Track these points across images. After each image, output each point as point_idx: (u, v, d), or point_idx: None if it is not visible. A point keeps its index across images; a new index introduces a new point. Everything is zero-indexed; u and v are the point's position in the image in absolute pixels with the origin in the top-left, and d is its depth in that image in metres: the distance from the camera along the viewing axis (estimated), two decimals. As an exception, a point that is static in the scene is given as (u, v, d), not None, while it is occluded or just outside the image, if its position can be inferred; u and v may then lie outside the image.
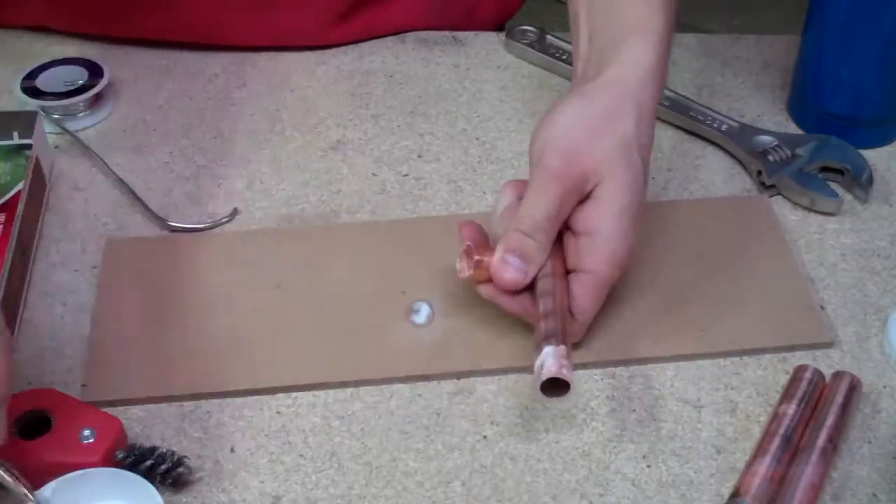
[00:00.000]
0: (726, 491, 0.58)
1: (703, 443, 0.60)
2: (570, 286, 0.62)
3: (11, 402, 0.57)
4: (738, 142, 0.78)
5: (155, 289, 0.67)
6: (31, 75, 0.80)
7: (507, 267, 0.61)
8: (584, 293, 0.62)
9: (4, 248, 0.64)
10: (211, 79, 0.85)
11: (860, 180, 0.75)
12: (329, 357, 0.64)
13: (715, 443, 0.60)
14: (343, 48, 0.87)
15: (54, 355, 0.64)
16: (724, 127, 0.79)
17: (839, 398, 0.61)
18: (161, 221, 0.72)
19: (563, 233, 0.63)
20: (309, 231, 0.72)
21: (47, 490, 0.54)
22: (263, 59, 0.86)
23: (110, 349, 0.64)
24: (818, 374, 0.62)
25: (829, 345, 0.65)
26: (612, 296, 0.65)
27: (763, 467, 0.57)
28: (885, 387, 0.63)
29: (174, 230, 0.72)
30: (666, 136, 0.80)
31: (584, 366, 0.63)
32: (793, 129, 0.81)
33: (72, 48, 0.86)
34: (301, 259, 0.69)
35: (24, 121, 0.72)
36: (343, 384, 0.63)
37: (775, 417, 0.60)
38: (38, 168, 0.72)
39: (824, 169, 0.76)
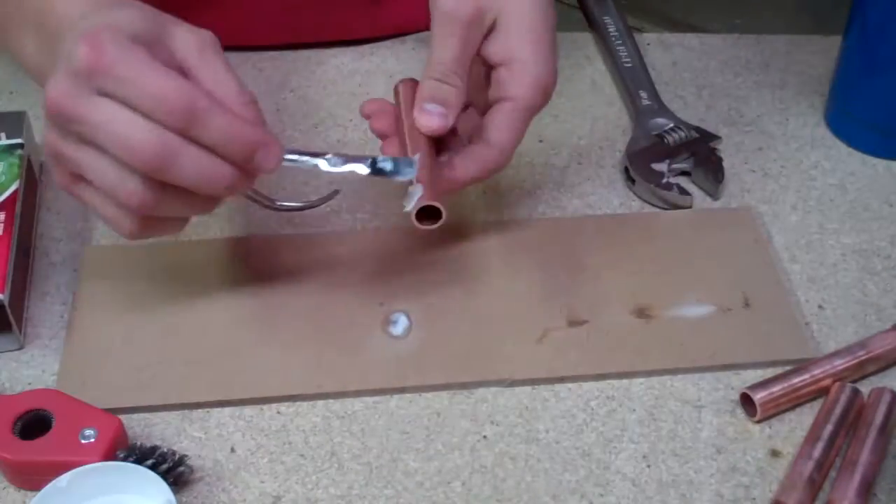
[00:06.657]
0: (726, 491, 0.58)
1: (703, 443, 0.60)
2: (491, 116, 0.64)
3: (11, 402, 0.58)
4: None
5: (131, 297, 0.66)
6: None
7: (430, 115, 0.62)
8: (505, 121, 0.63)
9: (7, 246, 0.64)
10: (211, 79, 0.84)
11: (712, 175, 0.74)
12: (304, 368, 0.63)
13: (715, 443, 0.60)
14: (343, 48, 0.87)
15: (54, 355, 0.64)
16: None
17: (878, 419, 0.60)
18: (269, 201, 0.71)
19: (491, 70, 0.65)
20: (286, 240, 0.71)
21: (63, 481, 0.54)
22: (264, 59, 0.86)
23: (83, 359, 0.63)
24: (856, 391, 0.61)
25: (811, 360, 0.64)
26: (593, 310, 0.65)
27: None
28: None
29: (280, 209, 0.71)
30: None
31: (562, 380, 0.63)
32: (791, 131, 0.81)
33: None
34: (278, 269, 0.69)
35: (11, 121, 0.73)
36: (318, 396, 0.62)
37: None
38: (29, 167, 0.72)
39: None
